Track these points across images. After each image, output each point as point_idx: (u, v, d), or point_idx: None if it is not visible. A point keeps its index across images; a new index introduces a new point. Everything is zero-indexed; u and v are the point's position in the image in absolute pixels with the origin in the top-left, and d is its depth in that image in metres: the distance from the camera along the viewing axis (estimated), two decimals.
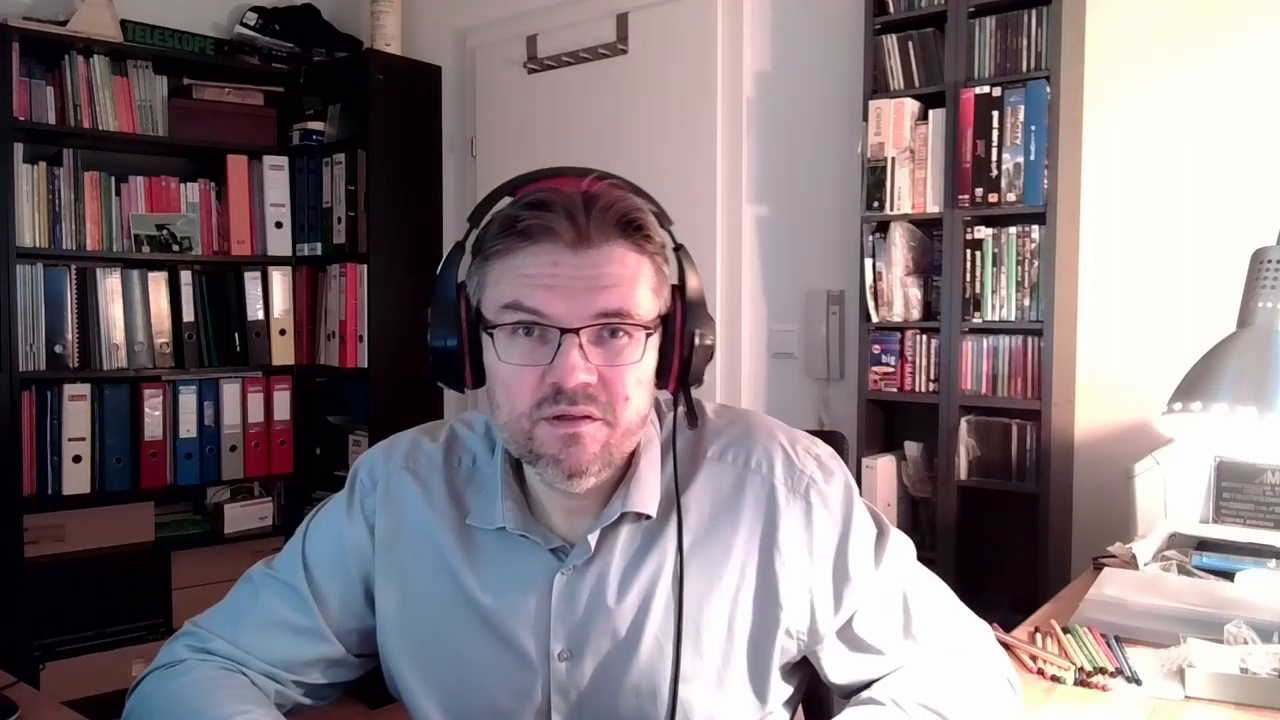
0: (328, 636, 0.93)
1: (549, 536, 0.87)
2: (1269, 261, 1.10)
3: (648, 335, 0.81)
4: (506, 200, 0.83)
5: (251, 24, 3.13)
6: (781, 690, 0.92)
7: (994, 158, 1.94)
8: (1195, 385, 1.10)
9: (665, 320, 0.83)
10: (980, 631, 0.98)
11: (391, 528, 0.93)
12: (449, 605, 0.90)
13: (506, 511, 0.87)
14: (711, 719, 0.88)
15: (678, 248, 0.85)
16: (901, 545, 0.94)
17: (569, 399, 0.78)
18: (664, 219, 0.84)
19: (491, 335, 0.80)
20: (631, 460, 0.87)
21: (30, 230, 2.69)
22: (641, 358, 0.81)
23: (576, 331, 0.77)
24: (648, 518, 0.87)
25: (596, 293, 0.78)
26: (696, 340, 0.83)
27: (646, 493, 0.86)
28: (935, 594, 0.96)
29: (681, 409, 0.88)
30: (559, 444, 0.79)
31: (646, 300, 0.81)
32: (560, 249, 0.78)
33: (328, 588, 0.93)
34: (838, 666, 0.92)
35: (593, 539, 0.86)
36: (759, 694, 0.90)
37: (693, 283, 0.84)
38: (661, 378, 0.84)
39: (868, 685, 0.93)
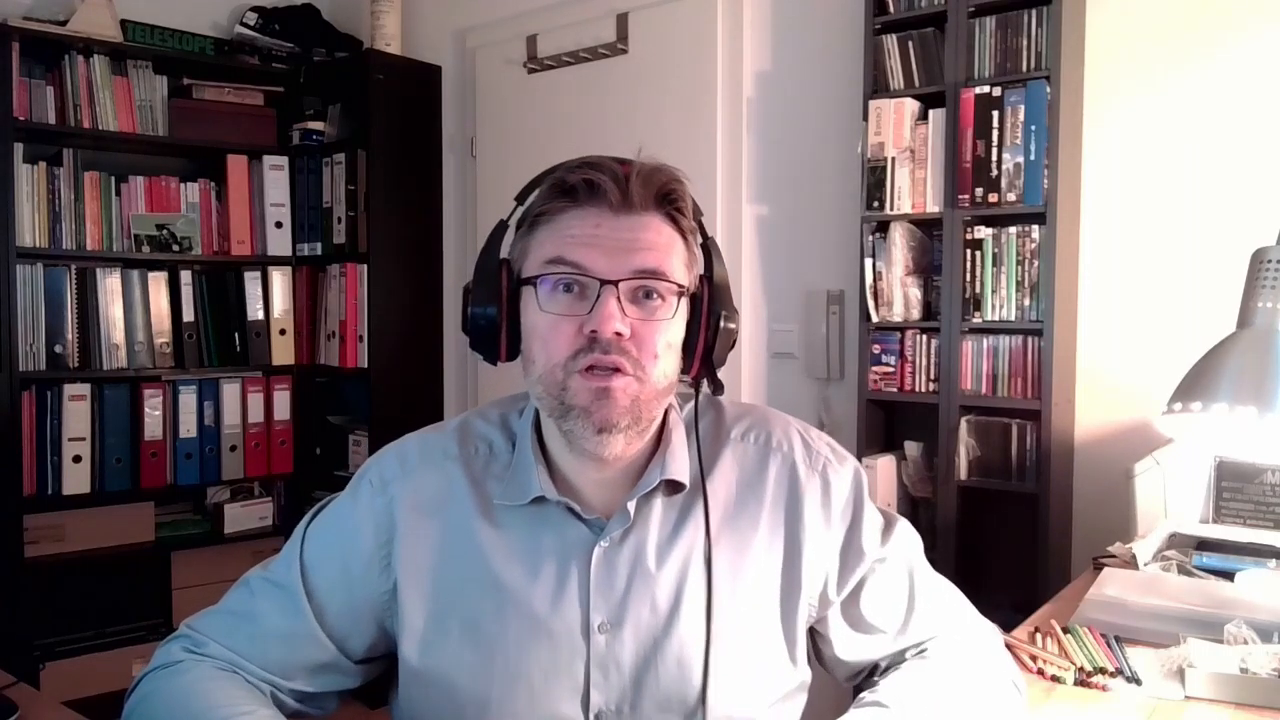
0: (324, 642, 0.91)
1: (587, 508, 0.89)
2: (1269, 261, 1.10)
3: (679, 298, 0.86)
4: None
5: (251, 24, 3.13)
6: (804, 667, 0.95)
7: (994, 158, 1.94)
8: (1195, 385, 1.10)
9: (692, 302, 0.88)
10: (986, 631, 0.99)
11: (410, 528, 0.91)
12: (483, 595, 0.89)
13: (543, 482, 0.89)
14: (749, 687, 0.90)
15: (706, 240, 0.90)
16: (909, 534, 0.99)
17: (603, 348, 0.82)
18: (697, 209, 0.90)
19: (535, 286, 0.85)
20: (661, 435, 0.92)
21: (30, 230, 2.69)
22: (673, 316, 0.86)
23: (615, 284, 0.82)
24: (682, 487, 0.91)
25: (635, 252, 0.84)
26: (721, 323, 0.88)
27: (681, 462, 0.91)
28: (941, 587, 0.99)
29: (704, 395, 0.93)
30: (591, 396, 0.83)
31: (679, 269, 0.87)
32: (603, 211, 0.84)
33: (327, 593, 0.92)
34: (843, 643, 0.96)
35: (631, 506, 0.89)
36: (792, 659, 0.93)
37: (719, 270, 0.90)
38: (686, 357, 0.88)
39: (871, 668, 0.97)
